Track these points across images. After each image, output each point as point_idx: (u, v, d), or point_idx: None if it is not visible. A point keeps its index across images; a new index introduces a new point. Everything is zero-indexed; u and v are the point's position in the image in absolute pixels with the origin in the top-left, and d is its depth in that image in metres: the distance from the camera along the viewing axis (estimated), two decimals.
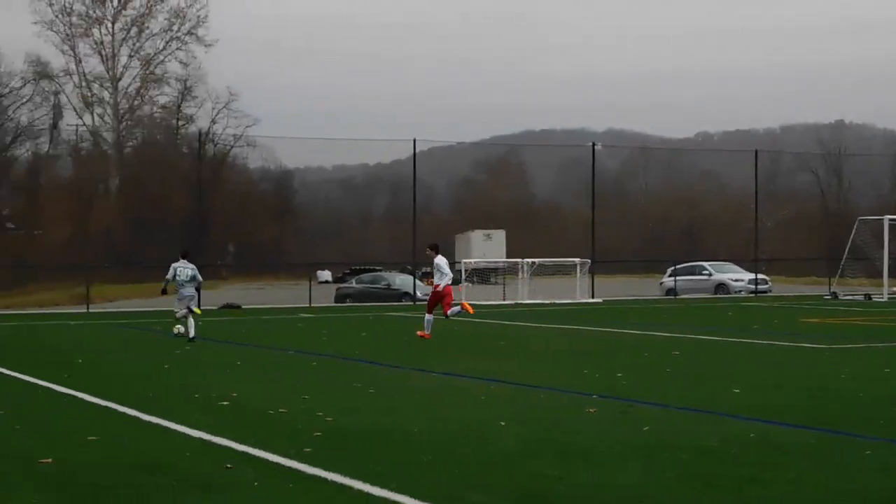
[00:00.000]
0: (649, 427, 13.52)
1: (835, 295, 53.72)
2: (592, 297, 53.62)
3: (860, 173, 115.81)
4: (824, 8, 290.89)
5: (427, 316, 28.49)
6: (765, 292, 60.01)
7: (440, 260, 29.00)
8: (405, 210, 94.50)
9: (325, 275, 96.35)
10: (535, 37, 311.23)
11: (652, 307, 46.84)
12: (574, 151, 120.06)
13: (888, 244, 51.91)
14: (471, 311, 29.30)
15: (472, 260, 63.25)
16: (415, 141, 54.44)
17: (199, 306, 30.21)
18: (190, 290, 28.85)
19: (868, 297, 51.65)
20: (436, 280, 28.79)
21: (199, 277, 29.39)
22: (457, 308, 28.97)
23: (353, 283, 61.24)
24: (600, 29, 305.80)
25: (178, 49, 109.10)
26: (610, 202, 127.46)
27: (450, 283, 28.91)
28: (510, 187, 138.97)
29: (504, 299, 52.55)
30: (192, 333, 28.05)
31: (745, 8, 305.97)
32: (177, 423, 14.04)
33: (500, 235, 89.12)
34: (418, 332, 28.14)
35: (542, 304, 49.60)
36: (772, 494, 10.03)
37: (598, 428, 13.47)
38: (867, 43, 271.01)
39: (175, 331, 28.92)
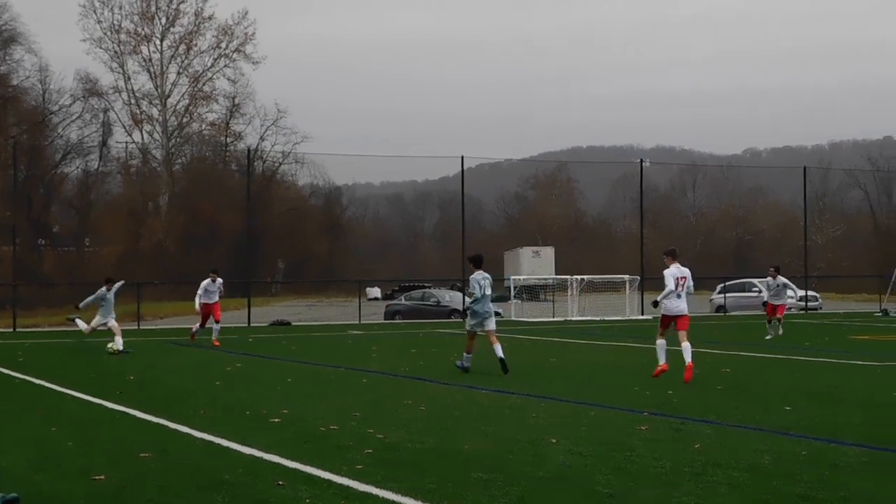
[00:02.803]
0: (701, 444, 13.48)
1: (885, 312, 53.43)
2: (642, 313, 53.50)
3: None
4: (871, 25, 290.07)
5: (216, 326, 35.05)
6: (815, 309, 59.80)
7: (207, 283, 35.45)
8: (454, 227, 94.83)
9: (375, 292, 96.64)
10: (584, 57, 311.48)
11: (701, 324, 46.60)
12: (622, 168, 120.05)
13: None
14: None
15: (521, 276, 63.43)
16: (462, 158, 54.44)
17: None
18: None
19: None
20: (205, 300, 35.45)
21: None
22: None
23: (402, 300, 61.37)
24: (647, 49, 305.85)
25: (226, 66, 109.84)
26: (659, 219, 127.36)
27: (208, 301, 35.17)
28: (559, 204, 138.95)
29: (553, 316, 52.58)
30: (88, 328, 33.82)
31: (792, 27, 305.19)
32: (228, 440, 14.10)
33: (549, 252, 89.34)
34: (215, 342, 34.08)
35: (592, 320, 49.59)
36: None
37: (650, 445, 13.43)
38: None
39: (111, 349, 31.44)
